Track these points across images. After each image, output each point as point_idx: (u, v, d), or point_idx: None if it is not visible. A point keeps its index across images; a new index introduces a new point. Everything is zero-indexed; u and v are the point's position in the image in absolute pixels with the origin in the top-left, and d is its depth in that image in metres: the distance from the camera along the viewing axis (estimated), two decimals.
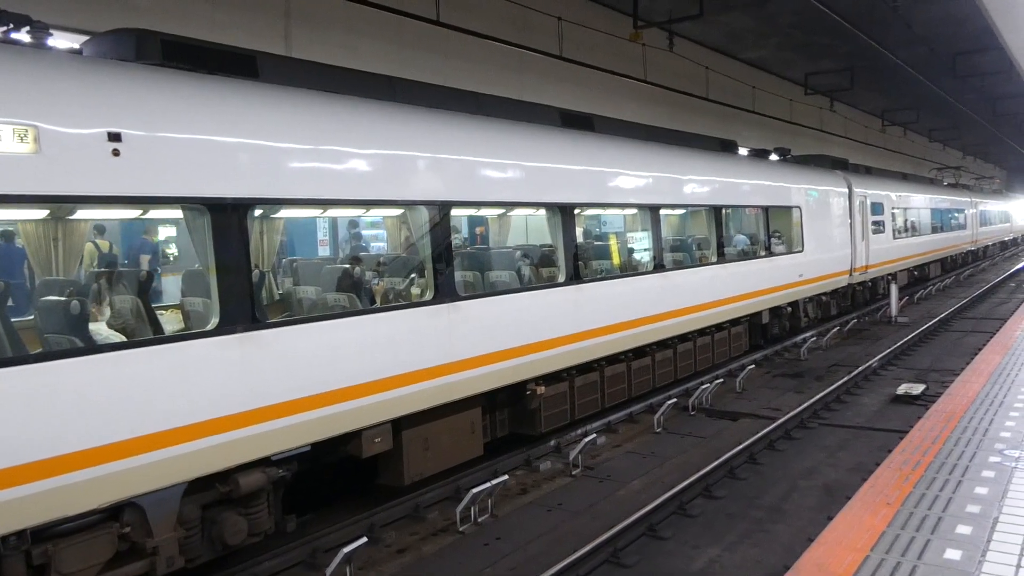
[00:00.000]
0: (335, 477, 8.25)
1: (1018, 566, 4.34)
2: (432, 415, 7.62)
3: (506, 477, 8.08)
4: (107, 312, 6.33)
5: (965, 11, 17.23)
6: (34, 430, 4.64)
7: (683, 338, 12.10)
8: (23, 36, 5.35)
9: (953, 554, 4.50)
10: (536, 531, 7.32)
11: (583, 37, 15.47)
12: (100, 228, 11.22)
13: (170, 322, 6.84)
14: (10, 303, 5.78)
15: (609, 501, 8.03)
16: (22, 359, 4.71)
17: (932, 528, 4.87)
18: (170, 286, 10.65)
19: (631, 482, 8.58)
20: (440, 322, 7.49)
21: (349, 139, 6.80)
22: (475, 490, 7.46)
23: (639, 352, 11.02)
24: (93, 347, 5.13)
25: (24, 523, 4.65)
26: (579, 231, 10.97)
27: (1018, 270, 33.79)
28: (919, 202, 26.16)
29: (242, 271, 5.86)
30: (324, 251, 15.08)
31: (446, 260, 7.64)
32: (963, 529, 4.84)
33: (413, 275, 8.05)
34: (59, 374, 4.78)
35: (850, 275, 19.01)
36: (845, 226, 18.63)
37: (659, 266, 11.23)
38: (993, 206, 42.87)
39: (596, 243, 12.09)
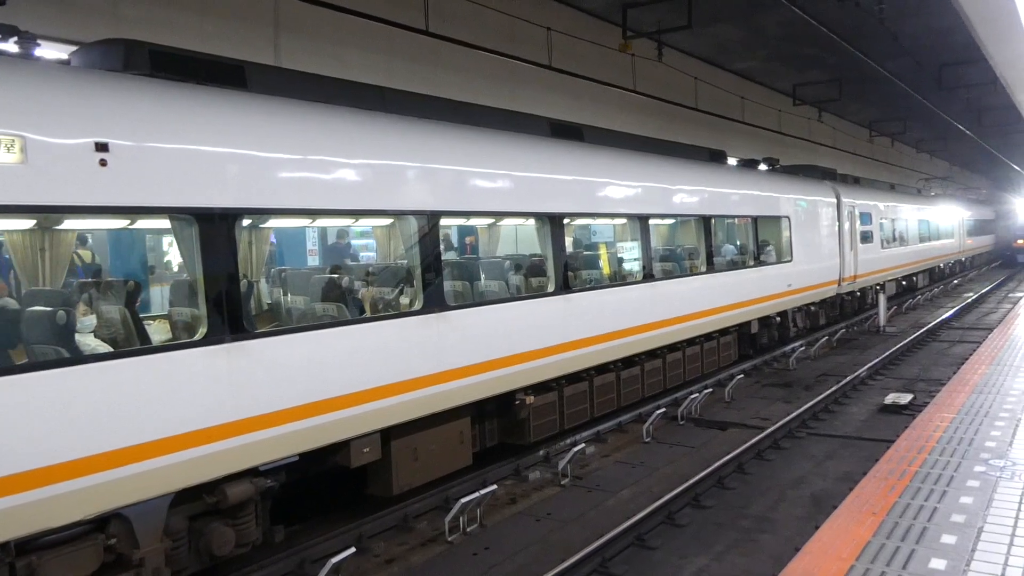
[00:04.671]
0: (323, 487, 8.22)
1: None
2: (421, 425, 7.62)
3: (495, 487, 8.07)
4: (94, 322, 6.30)
5: (950, 24, 17.38)
6: (19, 441, 4.62)
7: (672, 348, 12.13)
8: (11, 46, 5.35)
9: (938, 563, 4.52)
10: (525, 541, 7.31)
11: (572, 47, 15.53)
12: (83, 238, 11.16)
13: (158, 332, 6.82)
14: None
15: (598, 511, 8.04)
16: (7, 369, 4.68)
17: (917, 538, 4.89)
18: (158, 296, 10.62)
19: (620, 492, 8.58)
20: (429, 332, 7.49)
21: (338, 149, 6.81)
22: (464, 500, 7.45)
23: (628, 362, 11.05)
24: (79, 357, 5.11)
25: (8, 535, 4.62)
26: (568, 241, 10.99)
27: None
28: (907, 212, 26.34)
29: (230, 281, 5.85)
30: (313, 261, 15.05)
31: (435, 270, 7.65)
32: (948, 539, 4.86)
33: (402, 285, 8.05)
34: (45, 385, 4.76)
35: (839, 285, 19.10)
36: (834, 236, 18.74)
37: (648, 276, 11.26)
38: (980, 217, 43.24)
39: (585, 253, 12.13)
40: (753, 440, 9.74)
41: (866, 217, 21.22)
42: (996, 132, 35.17)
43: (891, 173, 38.67)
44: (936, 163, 47.89)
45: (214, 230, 5.76)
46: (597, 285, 10.73)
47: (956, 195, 43.96)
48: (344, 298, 7.44)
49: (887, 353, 15.90)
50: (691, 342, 12.68)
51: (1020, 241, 48.69)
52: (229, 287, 5.84)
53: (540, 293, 9.32)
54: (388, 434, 7.28)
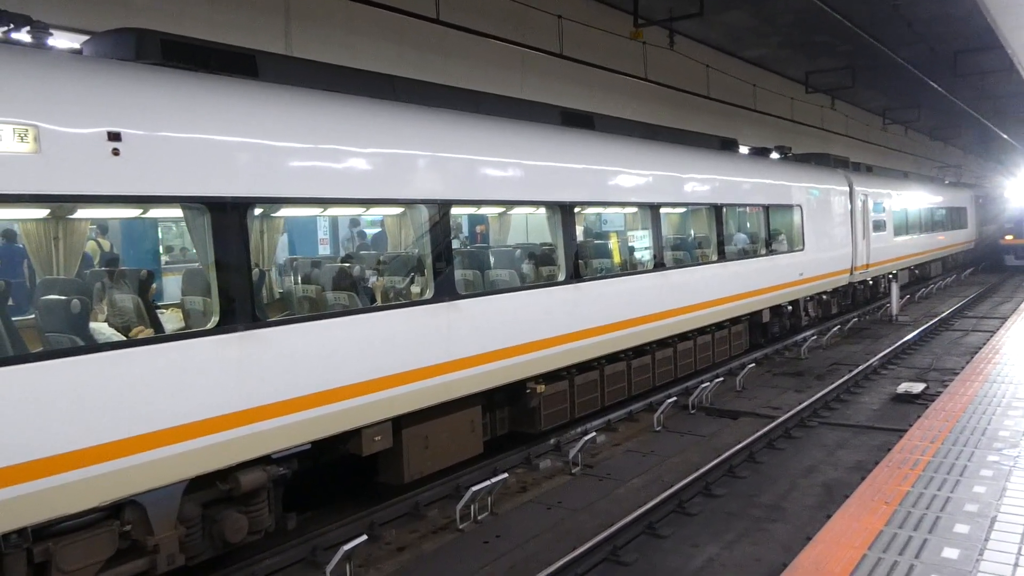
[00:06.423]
0: (335, 475, 8.27)
1: (1016, 565, 4.35)
2: (432, 413, 7.64)
3: (506, 475, 8.09)
4: (107, 311, 6.35)
5: (965, 10, 17.20)
6: (35, 428, 4.66)
7: (683, 337, 12.11)
8: (23, 36, 5.36)
9: (951, 553, 4.51)
10: (536, 529, 7.33)
11: (583, 35, 15.45)
12: (103, 227, 11.27)
13: (170, 321, 6.86)
14: (10, 302, 5.80)
15: (608, 499, 8.05)
16: (23, 358, 4.72)
17: (930, 527, 4.88)
18: (170, 285, 10.68)
19: (631, 480, 8.59)
20: (440, 321, 7.50)
21: (349, 138, 6.81)
22: (475, 488, 7.47)
23: (639, 351, 11.03)
24: (94, 346, 5.14)
25: (25, 521, 4.67)
26: (579, 230, 10.97)
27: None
28: (920, 200, 26.14)
29: (242, 270, 5.87)
30: (324, 250, 15.10)
31: (446, 259, 7.65)
32: (961, 528, 4.85)
33: (413, 274, 8.06)
34: (60, 373, 4.80)
35: (851, 274, 19.01)
36: (846, 224, 18.63)
37: (659, 265, 11.24)
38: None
39: (596, 242, 12.10)
40: (764, 429, 9.72)
41: (879, 205, 21.09)
42: (1011, 119, 34.86)
43: (905, 161, 38.38)
44: (950, 150, 47.48)
45: (226, 219, 5.77)
46: (608, 274, 10.71)
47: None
48: (355, 287, 7.46)
49: (900, 342, 15.82)
50: (702, 331, 12.65)
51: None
52: (241, 276, 5.86)
53: (551, 282, 9.31)
54: (399, 422, 7.30)
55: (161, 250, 14.18)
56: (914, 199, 25.31)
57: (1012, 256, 34.56)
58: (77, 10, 9.03)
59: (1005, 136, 35.08)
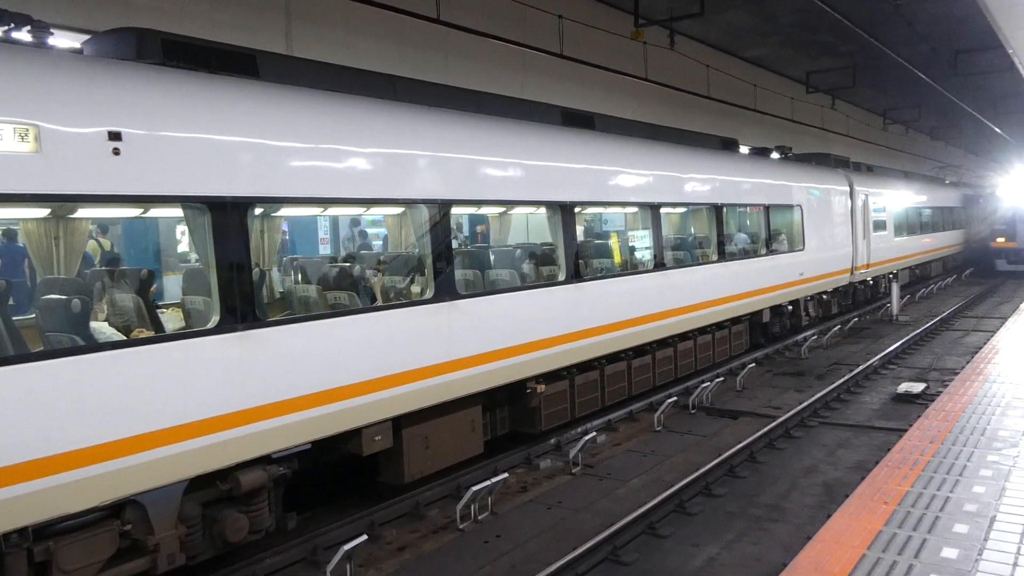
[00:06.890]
0: (335, 475, 8.27)
1: (1015, 564, 4.36)
2: (432, 413, 7.64)
3: (506, 475, 8.10)
4: (107, 310, 6.35)
5: (966, 10, 17.19)
6: (36, 428, 4.67)
7: (684, 337, 12.11)
8: (24, 35, 5.37)
9: (950, 553, 4.52)
10: (536, 529, 7.34)
11: (584, 35, 15.46)
12: (103, 227, 11.28)
13: (171, 320, 6.86)
14: (11, 302, 5.79)
15: (609, 499, 8.05)
16: (23, 357, 4.73)
17: (929, 527, 4.88)
18: (171, 284, 10.70)
19: (631, 480, 8.59)
20: (440, 320, 7.50)
21: (349, 138, 6.81)
22: (475, 488, 7.47)
23: (639, 351, 11.03)
24: (94, 345, 5.15)
25: (25, 520, 4.67)
26: (579, 229, 10.97)
27: None
28: (921, 200, 26.14)
29: (242, 269, 5.88)
30: (325, 249, 15.12)
31: (446, 259, 7.66)
32: (960, 528, 4.85)
33: (413, 273, 8.06)
34: (60, 372, 4.80)
35: (851, 274, 19.02)
36: (846, 224, 18.64)
37: (660, 265, 11.24)
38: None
39: (596, 241, 12.11)
40: (765, 429, 9.72)
41: (879, 206, 21.10)
42: (1012, 119, 34.84)
43: (905, 161, 38.36)
44: (950, 150, 47.47)
45: (226, 219, 5.78)
46: (608, 274, 10.72)
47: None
48: (356, 287, 7.46)
49: (900, 342, 15.82)
50: (703, 331, 12.65)
51: (1000, 239, 31.72)
52: (241, 275, 5.87)
53: (551, 282, 9.31)
54: (399, 422, 7.31)
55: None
56: (915, 199, 25.30)
57: (1004, 260, 31.76)
58: (77, 10, 9.03)
59: (999, 132, 35.01)
